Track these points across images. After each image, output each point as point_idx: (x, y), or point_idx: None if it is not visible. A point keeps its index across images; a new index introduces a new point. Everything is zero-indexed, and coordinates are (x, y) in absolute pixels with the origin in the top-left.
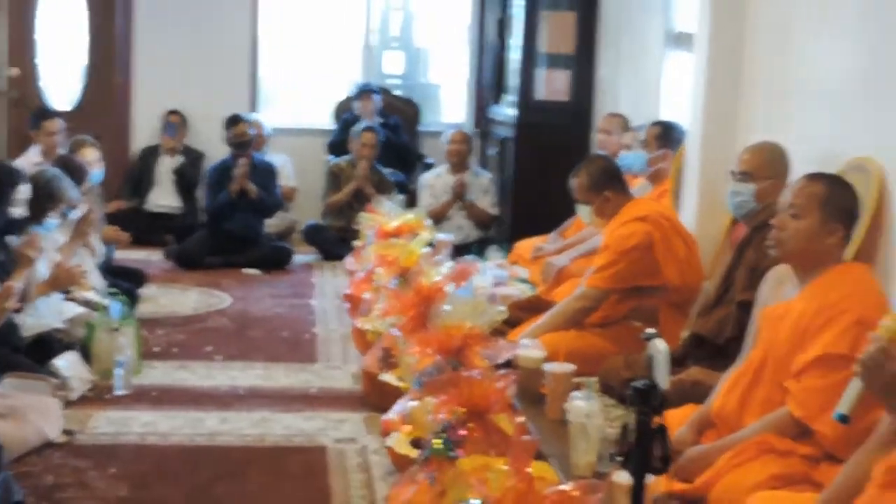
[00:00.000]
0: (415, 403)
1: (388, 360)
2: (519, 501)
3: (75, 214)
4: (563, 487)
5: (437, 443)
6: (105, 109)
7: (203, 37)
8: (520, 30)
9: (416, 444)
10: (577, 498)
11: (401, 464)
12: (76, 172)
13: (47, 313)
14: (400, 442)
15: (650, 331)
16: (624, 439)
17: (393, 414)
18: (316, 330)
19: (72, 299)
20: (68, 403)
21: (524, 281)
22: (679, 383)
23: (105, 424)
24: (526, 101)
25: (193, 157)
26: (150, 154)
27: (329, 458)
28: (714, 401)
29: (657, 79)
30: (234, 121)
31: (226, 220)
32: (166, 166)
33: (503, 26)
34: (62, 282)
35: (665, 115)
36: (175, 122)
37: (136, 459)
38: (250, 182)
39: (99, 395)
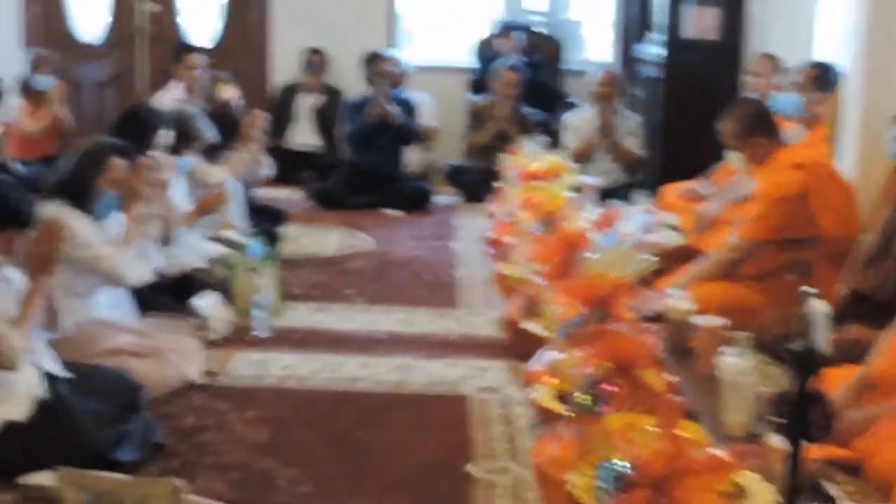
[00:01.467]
0: (560, 355)
1: (532, 309)
2: (668, 465)
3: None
4: (714, 451)
5: (583, 398)
6: (244, 47)
7: None
8: None
9: (561, 397)
10: (730, 464)
11: (545, 417)
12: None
13: (189, 252)
14: (545, 395)
15: (808, 289)
16: (780, 404)
17: (537, 364)
18: (457, 273)
19: (214, 238)
20: (209, 344)
21: (672, 227)
22: (838, 342)
23: (245, 366)
24: (673, 39)
25: (333, 96)
26: (290, 92)
27: (470, 407)
28: (875, 361)
29: (811, 17)
30: (373, 58)
31: (366, 149)
32: (306, 104)
33: None
34: (208, 207)
35: (820, 56)
36: (316, 60)
37: (275, 403)
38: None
39: (239, 337)
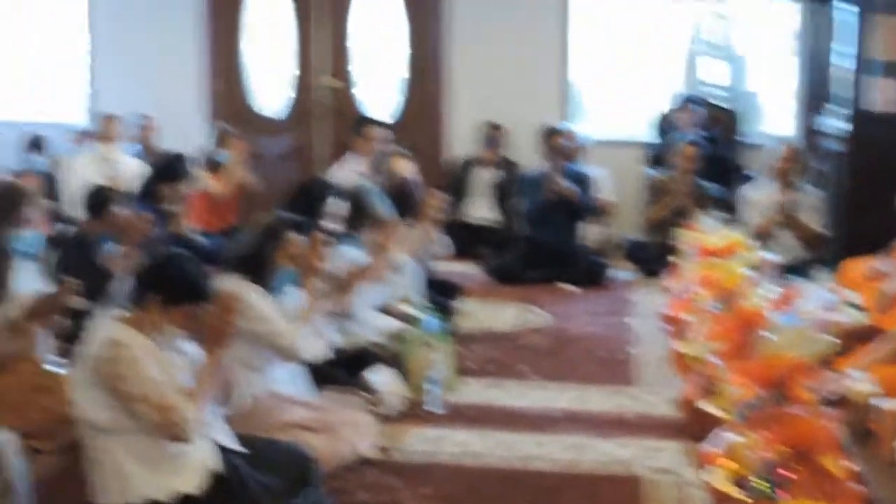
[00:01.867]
0: (736, 437)
1: (709, 388)
2: None
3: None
4: None
5: (760, 483)
6: (421, 121)
7: (516, 47)
8: (851, 36)
9: (737, 481)
10: None
11: (720, 501)
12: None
13: (364, 326)
14: (720, 478)
15: None
16: None
17: (712, 446)
18: (633, 351)
19: (389, 312)
20: (382, 419)
21: (855, 306)
22: None
23: (419, 442)
24: (857, 112)
25: (510, 169)
26: (467, 166)
27: (644, 488)
28: None
29: None
30: (549, 132)
31: (542, 225)
32: (483, 178)
33: (829, 32)
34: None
35: None
36: (494, 134)
37: (449, 480)
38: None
39: (413, 412)
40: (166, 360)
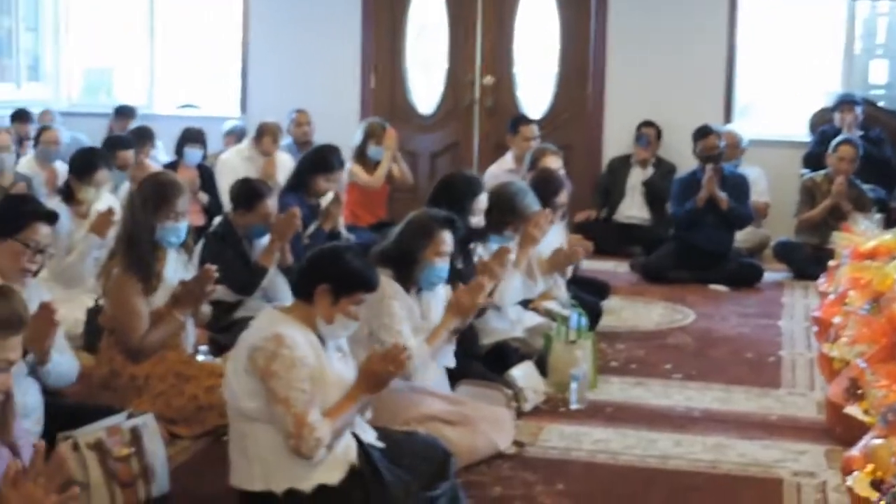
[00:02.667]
0: (878, 441)
1: (855, 392)
2: None
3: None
4: None
5: None
6: (577, 119)
7: (677, 47)
8: None
9: (876, 485)
10: None
11: None
12: (550, 185)
13: (507, 322)
14: (860, 482)
15: None
16: None
17: (856, 450)
18: (782, 353)
19: (534, 308)
20: (521, 414)
21: None
22: None
23: (556, 438)
24: None
25: (665, 170)
26: (621, 165)
27: (785, 491)
28: None
29: None
30: (702, 132)
31: (693, 231)
32: (636, 178)
33: None
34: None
35: None
36: (649, 133)
37: (584, 477)
38: (720, 191)
39: (552, 408)
40: (325, 362)
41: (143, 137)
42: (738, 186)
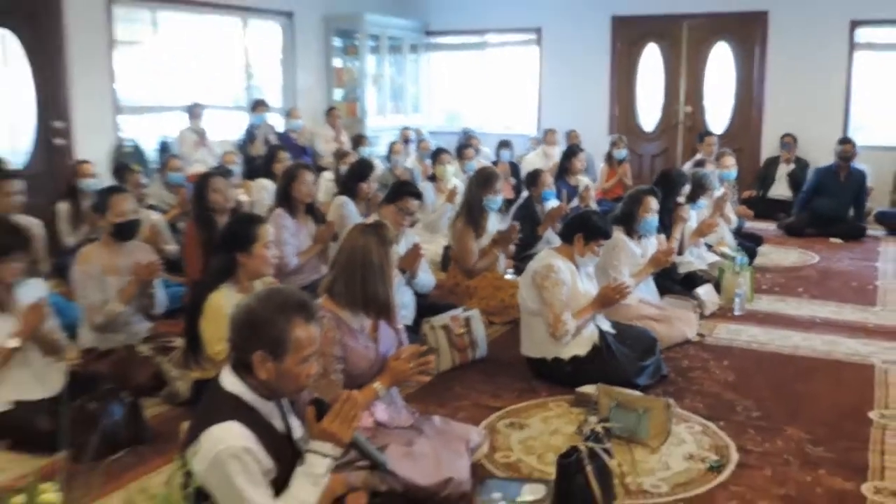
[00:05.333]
0: None
1: None
2: None
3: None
4: None
5: None
6: (745, 132)
7: (811, 79)
8: None
9: None
10: None
11: None
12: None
13: (696, 259)
14: None
15: None
16: None
17: None
18: (878, 282)
19: (713, 251)
20: (702, 317)
21: None
22: None
23: (724, 333)
24: None
25: (801, 165)
26: (772, 162)
27: (876, 373)
28: None
29: None
30: (843, 141)
31: (821, 200)
32: (783, 171)
33: None
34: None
35: None
36: (789, 141)
37: (742, 357)
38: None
39: (723, 314)
40: (577, 282)
41: (466, 146)
42: (858, 177)
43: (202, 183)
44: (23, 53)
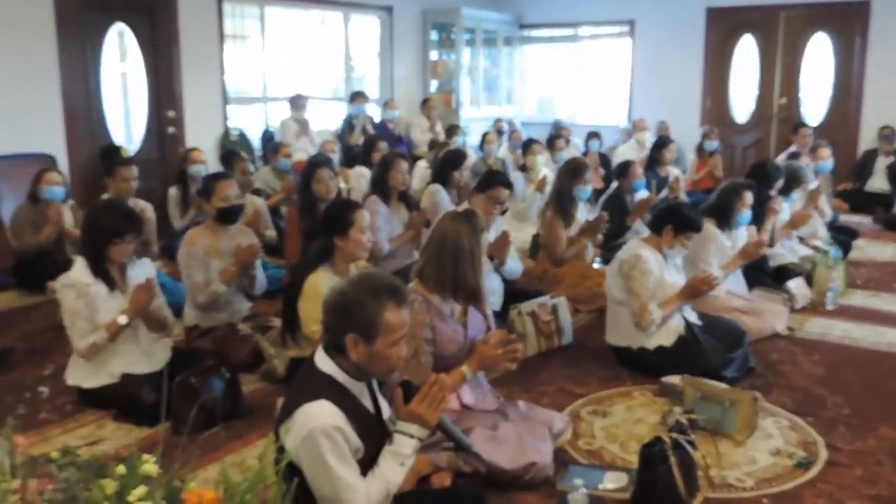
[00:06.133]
0: None
1: None
2: None
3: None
4: None
5: None
6: (842, 125)
7: None
8: None
9: None
10: None
11: None
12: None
13: (788, 252)
14: None
15: None
16: None
17: None
18: None
19: (805, 244)
20: (793, 310)
21: None
22: None
23: (815, 327)
24: None
25: None
26: (870, 154)
27: None
28: None
29: None
30: None
31: None
32: (881, 163)
33: None
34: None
35: None
36: (888, 133)
37: (832, 352)
38: None
39: (814, 308)
40: (665, 272)
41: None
42: None
43: (309, 173)
44: (139, 48)
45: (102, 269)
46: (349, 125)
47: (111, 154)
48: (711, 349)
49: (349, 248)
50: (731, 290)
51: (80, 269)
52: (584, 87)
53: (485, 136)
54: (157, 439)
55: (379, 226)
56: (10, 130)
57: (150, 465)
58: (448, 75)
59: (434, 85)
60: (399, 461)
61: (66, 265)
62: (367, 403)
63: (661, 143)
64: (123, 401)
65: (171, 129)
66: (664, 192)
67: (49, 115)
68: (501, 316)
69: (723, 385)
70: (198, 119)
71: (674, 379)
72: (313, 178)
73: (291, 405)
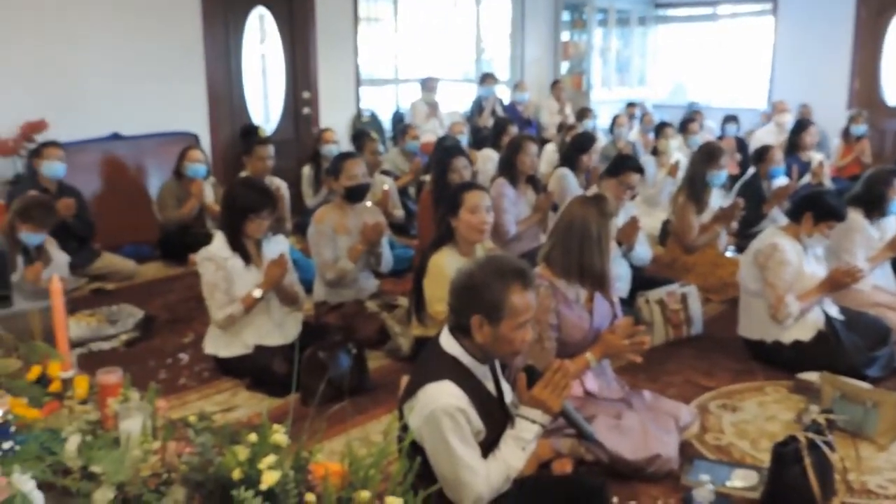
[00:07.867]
0: None
1: None
2: None
3: None
4: None
5: None
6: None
7: None
8: None
9: None
10: None
11: None
12: None
13: None
14: None
15: None
16: None
17: None
18: None
19: None
20: None
21: None
22: None
23: None
24: None
25: None
26: None
27: None
28: None
29: None
30: None
31: None
32: None
33: None
34: None
35: None
36: None
37: None
38: None
39: None
40: (804, 262)
41: (691, 120)
42: None
43: (445, 161)
44: (277, 31)
45: (240, 244)
46: (478, 107)
47: (250, 133)
48: (853, 346)
49: (461, 228)
50: (878, 284)
51: (219, 243)
52: (722, 68)
53: (615, 118)
54: (286, 409)
55: (505, 208)
56: (157, 110)
57: (280, 436)
58: (579, 57)
59: (565, 66)
60: (520, 446)
61: (207, 239)
62: (490, 386)
63: (801, 126)
64: (256, 371)
65: (305, 110)
66: (806, 178)
67: (194, 96)
68: (628, 303)
69: (865, 385)
70: (331, 100)
71: (811, 376)
72: (449, 167)
73: (415, 385)
